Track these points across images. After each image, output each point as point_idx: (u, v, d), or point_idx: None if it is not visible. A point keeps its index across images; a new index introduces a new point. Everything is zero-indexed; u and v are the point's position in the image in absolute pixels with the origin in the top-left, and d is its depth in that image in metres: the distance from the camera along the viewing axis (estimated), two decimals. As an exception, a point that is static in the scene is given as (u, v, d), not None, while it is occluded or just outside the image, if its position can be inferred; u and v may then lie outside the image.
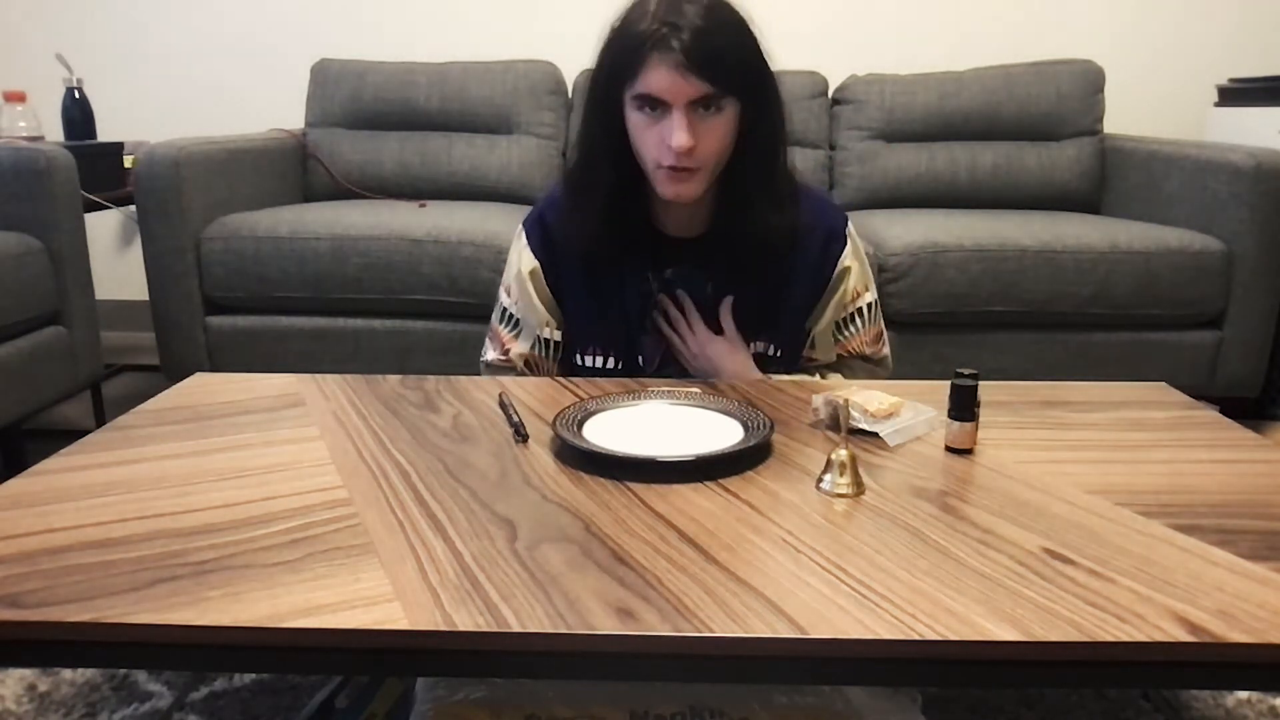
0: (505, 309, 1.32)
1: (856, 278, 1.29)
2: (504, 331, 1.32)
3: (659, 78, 1.08)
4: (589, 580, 0.71)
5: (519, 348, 1.31)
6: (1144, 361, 2.05)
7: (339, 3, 2.78)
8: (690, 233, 1.24)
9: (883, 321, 1.34)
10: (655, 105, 1.10)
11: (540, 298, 1.28)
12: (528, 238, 1.28)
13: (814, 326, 1.30)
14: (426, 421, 1.06)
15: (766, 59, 1.16)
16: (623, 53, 1.11)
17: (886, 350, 1.36)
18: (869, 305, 1.31)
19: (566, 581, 0.71)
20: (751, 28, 1.14)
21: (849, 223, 1.29)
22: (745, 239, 1.20)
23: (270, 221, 2.05)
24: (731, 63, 1.09)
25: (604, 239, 1.21)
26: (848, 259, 1.27)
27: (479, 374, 1.32)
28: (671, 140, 1.09)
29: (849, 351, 1.32)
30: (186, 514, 0.83)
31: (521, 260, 1.28)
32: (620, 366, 1.28)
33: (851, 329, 1.31)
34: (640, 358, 1.28)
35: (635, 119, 1.13)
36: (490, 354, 1.35)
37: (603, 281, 1.26)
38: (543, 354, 1.31)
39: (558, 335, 1.30)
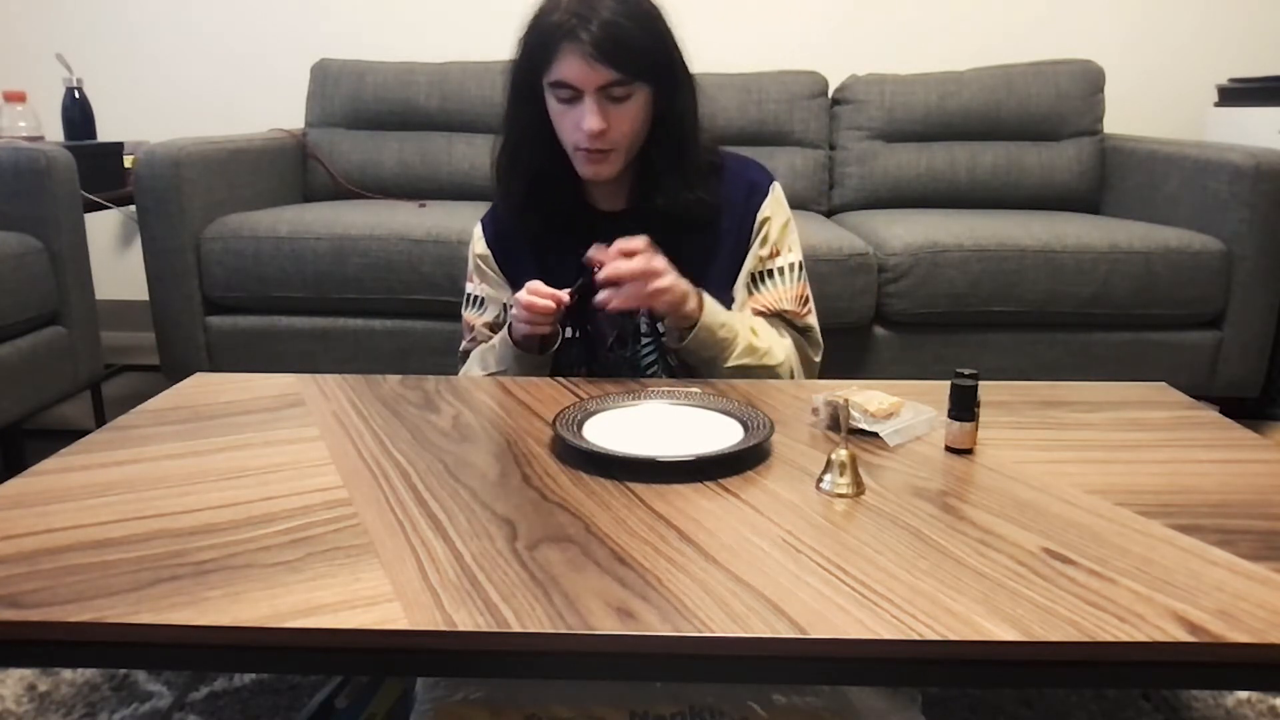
0: (469, 294, 1.40)
1: (778, 232, 1.31)
2: (471, 314, 1.40)
3: (570, 66, 1.15)
4: (589, 580, 0.71)
5: (483, 319, 1.38)
6: (1144, 361, 2.05)
7: (339, 3, 2.78)
8: (616, 206, 1.31)
9: (809, 289, 1.34)
10: (569, 91, 1.16)
11: (497, 275, 1.36)
12: (483, 232, 1.38)
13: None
14: (426, 421, 1.06)
15: (677, 46, 1.22)
16: (538, 43, 1.17)
17: (813, 320, 1.35)
18: (791, 265, 1.32)
19: (566, 581, 0.71)
20: (662, 17, 1.21)
21: (774, 182, 1.33)
22: (660, 213, 1.25)
23: (270, 221, 2.05)
24: (638, 51, 1.15)
25: (534, 216, 1.29)
26: (767, 209, 1.30)
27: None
28: (584, 124, 1.16)
29: (766, 308, 1.31)
30: (186, 514, 0.83)
31: (475, 248, 1.38)
32: (578, 335, 1.31)
33: (769, 284, 1.32)
34: (589, 327, 1.30)
35: (553, 105, 1.20)
36: (463, 344, 1.42)
37: (548, 259, 1.31)
38: (506, 320, 1.34)
39: None
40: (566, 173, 1.25)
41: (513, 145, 1.28)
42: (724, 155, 1.33)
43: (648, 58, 1.17)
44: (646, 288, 1.15)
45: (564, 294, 1.18)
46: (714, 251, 1.30)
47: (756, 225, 1.30)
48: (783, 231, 1.32)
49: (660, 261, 1.17)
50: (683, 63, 1.24)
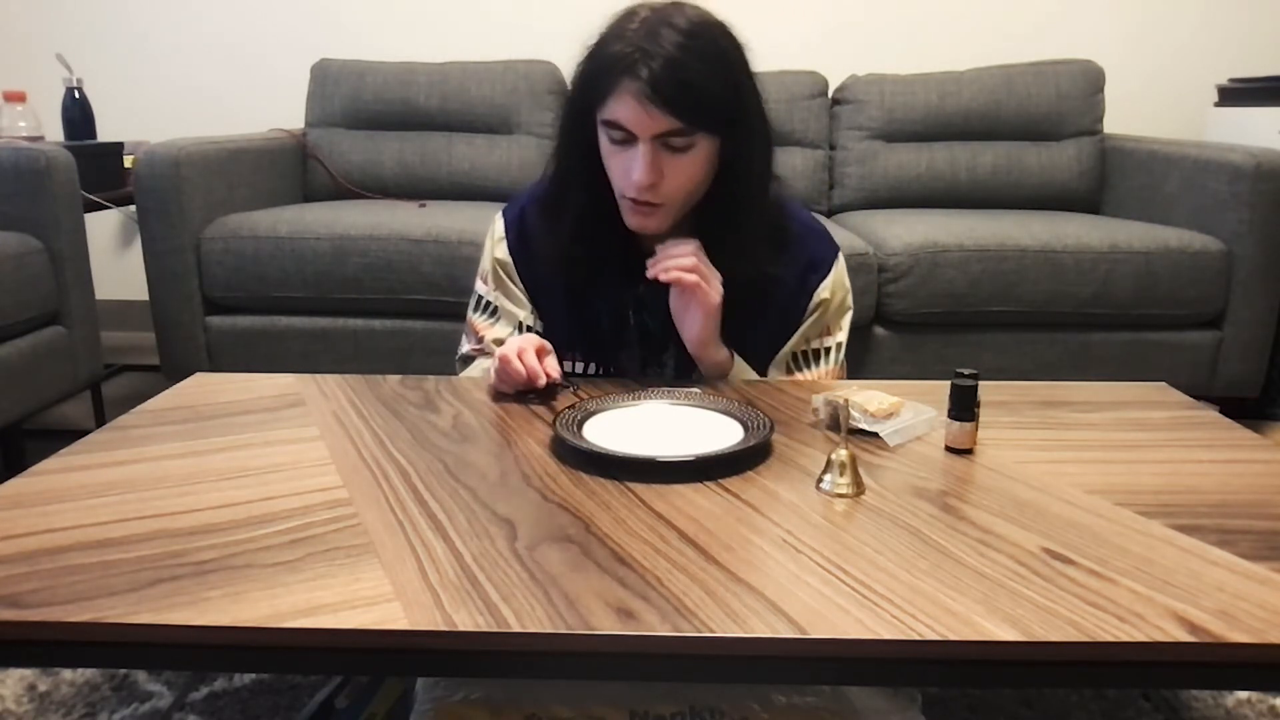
0: (481, 297, 1.28)
1: (833, 312, 1.23)
2: (480, 320, 1.28)
3: (625, 107, 1.03)
4: (589, 580, 0.71)
5: (495, 333, 1.26)
6: (1144, 361, 2.05)
7: (339, 3, 2.78)
8: None
9: (845, 364, 1.27)
10: (622, 133, 1.05)
11: (517, 287, 1.26)
12: (505, 232, 1.26)
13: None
14: (426, 421, 1.06)
15: (755, 94, 1.10)
16: (595, 74, 1.06)
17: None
18: (839, 345, 1.25)
19: (566, 581, 0.71)
20: (740, 59, 1.08)
21: (838, 257, 1.23)
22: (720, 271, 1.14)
23: (270, 221, 2.05)
24: (705, 98, 1.03)
25: (578, 257, 1.18)
26: (825, 291, 1.21)
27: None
28: (632, 175, 1.05)
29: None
30: (186, 514, 0.83)
31: (496, 250, 1.26)
32: (601, 372, 1.25)
33: (811, 365, 1.25)
34: (612, 369, 1.25)
35: (604, 143, 1.10)
36: (465, 347, 1.31)
37: (578, 291, 1.22)
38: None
39: (540, 326, 1.26)
40: (615, 213, 1.14)
41: (560, 180, 1.17)
42: (790, 219, 1.21)
43: (714, 106, 1.04)
44: (695, 280, 1.08)
45: (554, 374, 1.11)
46: (758, 320, 1.20)
47: (811, 306, 1.21)
48: (838, 311, 1.23)
49: (716, 284, 1.10)
50: (758, 114, 1.10)
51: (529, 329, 1.26)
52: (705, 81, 1.03)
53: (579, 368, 1.25)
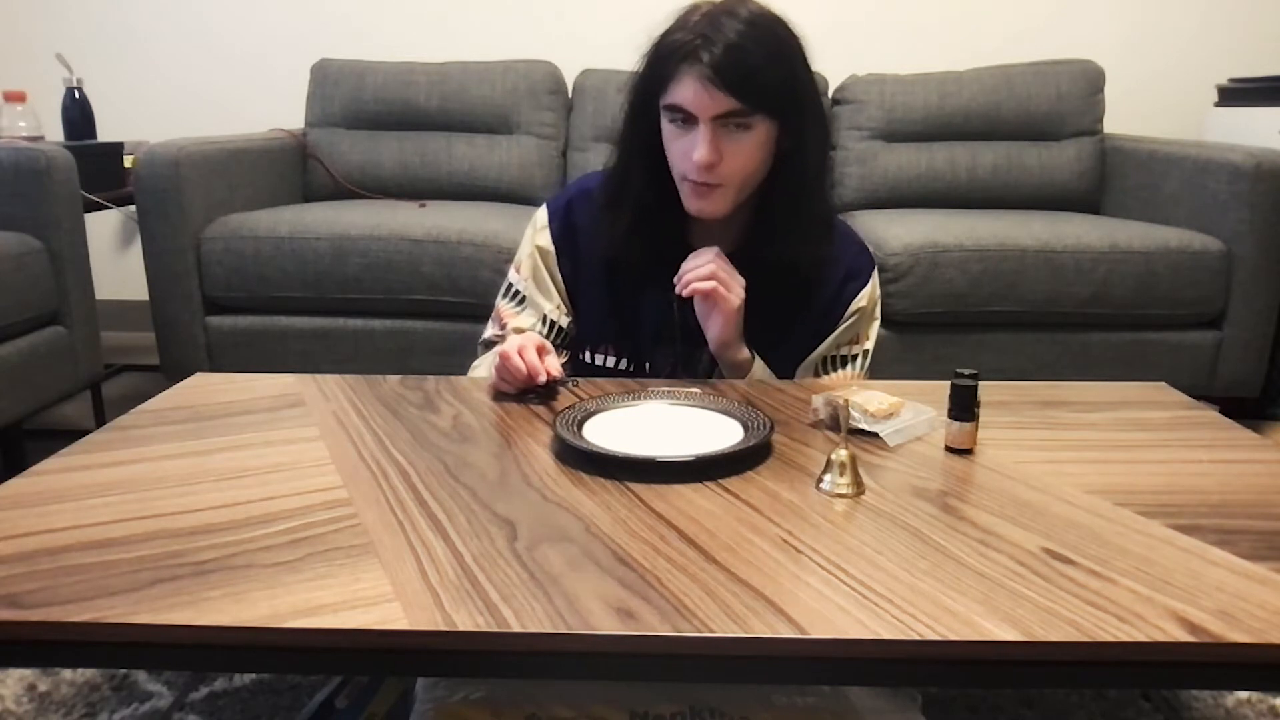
0: (511, 285, 1.30)
1: (865, 322, 1.26)
2: (506, 306, 1.30)
3: (686, 90, 1.08)
4: (589, 580, 0.71)
5: (519, 322, 1.28)
6: (1144, 361, 2.05)
7: (339, 3, 2.78)
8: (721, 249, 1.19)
9: (868, 372, 1.30)
10: (684, 117, 1.10)
11: (552, 279, 1.27)
12: (549, 221, 1.27)
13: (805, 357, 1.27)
14: (426, 421, 1.06)
15: (813, 85, 1.15)
16: (658, 62, 1.12)
17: None
18: (866, 352, 1.28)
19: (566, 581, 0.71)
20: (799, 50, 1.14)
21: (875, 266, 1.27)
22: (771, 266, 1.18)
23: (270, 221, 2.05)
24: (763, 82, 1.08)
25: (633, 249, 1.20)
26: (862, 300, 1.24)
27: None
28: (694, 154, 1.09)
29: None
30: (186, 514, 0.83)
31: (538, 239, 1.27)
32: (631, 369, 1.26)
33: (837, 371, 1.28)
34: (648, 365, 1.26)
35: (667, 129, 1.14)
36: (487, 332, 1.33)
37: (623, 285, 1.24)
38: (545, 334, 1.26)
39: (565, 320, 1.28)
40: (673, 205, 1.17)
41: (623, 168, 1.20)
42: (835, 218, 1.26)
43: (773, 90, 1.09)
44: (715, 286, 1.12)
45: (555, 371, 1.11)
46: (790, 323, 1.23)
47: (847, 314, 1.24)
48: (869, 321, 1.27)
49: (737, 288, 1.14)
50: (815, 104, 1.15)
51: (553, 323, 1.28)
52: (764, 65, 1.08)
53: (609, 361, 1.27)
